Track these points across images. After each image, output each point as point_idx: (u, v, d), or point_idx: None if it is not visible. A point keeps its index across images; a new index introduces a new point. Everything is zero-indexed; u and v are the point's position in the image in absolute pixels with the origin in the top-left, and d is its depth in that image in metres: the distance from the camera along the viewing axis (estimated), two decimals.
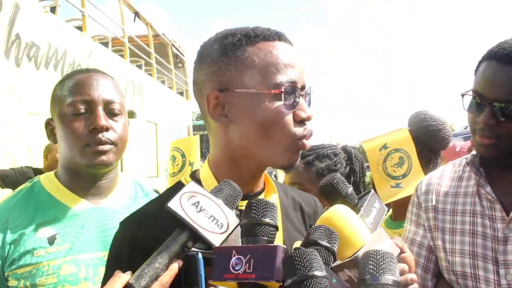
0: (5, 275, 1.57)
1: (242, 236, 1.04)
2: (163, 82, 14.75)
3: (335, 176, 1.31)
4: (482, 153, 1.68)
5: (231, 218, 1.09)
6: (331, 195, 1.30)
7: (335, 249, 1.04)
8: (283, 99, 1.20)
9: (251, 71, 1.21)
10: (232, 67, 1.23)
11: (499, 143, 1.60)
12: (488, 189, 1.69)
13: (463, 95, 1.69)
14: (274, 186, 1.44)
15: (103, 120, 1.62)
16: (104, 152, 1.63)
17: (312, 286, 0.88)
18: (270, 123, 1.22)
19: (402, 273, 1.29)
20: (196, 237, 1.08)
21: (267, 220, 1.03)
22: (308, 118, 1.25)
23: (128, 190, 1.83)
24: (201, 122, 23.71)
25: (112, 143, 1.65)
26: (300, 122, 1.24)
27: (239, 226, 1.09)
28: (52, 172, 1.76)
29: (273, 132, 1.22)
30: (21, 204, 1.65)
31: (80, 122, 1.62)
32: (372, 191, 1.34)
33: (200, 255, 1.08)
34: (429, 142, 2.53)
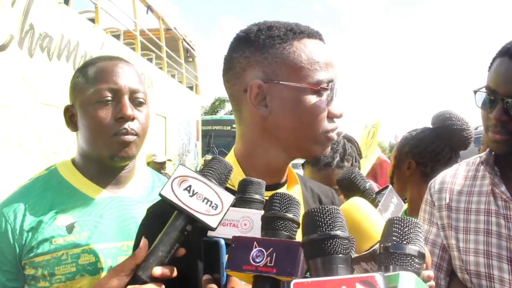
0: (22, 264, 1.54)
1: (263, 229, 1.02)
2: (173, 76, 14.74)
3: (353, 170, 1.32)
4: (495, 149, 1.68)
5: (224, 197, 1.10)
6: (349, 189, 1.31)
7: (352, 253, 1.01)
8: (323, 95, 1.28)
9: (297, 66, 1.28)
10: (279, 60, 1.28)
11: (511, 139, 1.60)
12: (503, 188, 1.69)
13: (475, 92, 1.70)
14: (296, 177, 1.48)
15: (129, 109, 1.60)
16: (128, 144, 1.60)
17: (333, 246, 0.83)
18: (309, 117, 1.28)
19: None
20: (193, 220, 1.10)
21: (290, 215, 1.01)
22: (341, 116, 1.32)
23: (146, 180, 1.82)
24: (209, 117, 23.76)
25: (136, 134, 1.63)
26: (332, 117, 1.31)
27: (260, 220, 1.07)
28: (69, 160, 1.73)
29: (311, 125, 1.29)
30: (38, 191, 1.62)
31: (106, 111, 1.58)
32: (390, 186, 1.35)
33: (222, 242, 1.09)
34: (451, 141, 2.56)
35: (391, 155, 2.85)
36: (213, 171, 1.15)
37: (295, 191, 1.43)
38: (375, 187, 2.76)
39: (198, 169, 1.18)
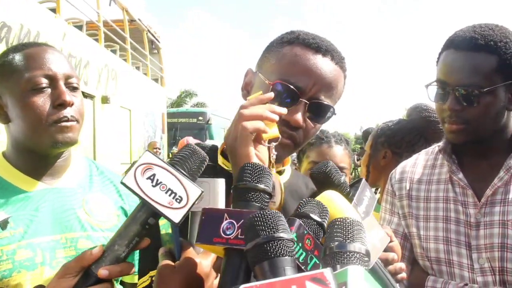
0: None
1: (234, 201, 0.99)
2: (138, 68, 14.56)
3: (328, 164, 1.28)
4: (453, 139, 1.71)
5: (191, 190, 1.02)
6: (323, 183, 1.27)
7: (325, 224, 1.01)
8: (277, 93, 1.29)
9: (271, 63, 1.35)
10: (268, 55, 1.39)
11: (467, 128, 1.64)
12: (460, 175, 1.72)
13: (427, 86, 1.73)
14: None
15: (68, 95, 1.54)
16: (70, 129, 1.54)
17: (277, 248, 0.81)
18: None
19: (391, 262, 1.32)
20: (155, 212, 1.03)
21: (262, 186, 0.98)
22: (292, 121, 1.29)
23: (83, 169, 1.74)
24: (175, 109, 23.51)
25: (76, 119, 1.57)
26: (284, 122, 1.29)
27: (210, 188, 1.07)
28: None
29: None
30: None
31: (43, 98, 1.51)
32: (363, 179, 1.33)
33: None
34: (426, 132, 2.65)
35: (367, 145, 2.90)
36: (182, 160, 1.07)
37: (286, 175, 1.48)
38: None
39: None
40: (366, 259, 0.86)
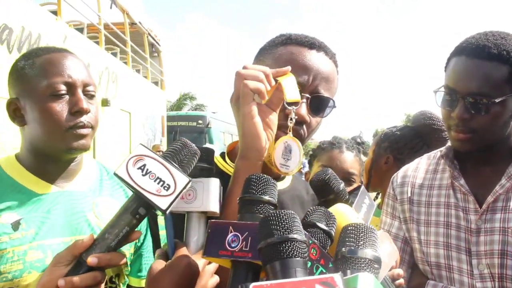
0: None
1: (239, 212, 1.01)
2: (138, 71, 14.57)
3: (327, 172, 1.29)
4: (458, 147, 1.71)
5: (179, 179, 1.06)
6: (323, 190, 1.28)
7: (333, 233, 1.02)
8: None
9: (269, 63, 1.35)
10: (262, 58, 1.41)
11: (474, 137, 1.63)
12: (462, 181, 1.73)
13: (435, 92, 1.72)
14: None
15: (85, 103, 1.58)
16: (84, 136, 1.58)
17: (291, 249, 0.81)
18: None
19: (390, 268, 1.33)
20: (145, 202, 1.07)
21: (266, 198, 0.99)
22: (298, 117, 1.29)
23: (94, 173, 1.78)
24: (175, 112, 23.54)
25: (91, 126, 1.61)
26: (288, 118, 1.28)
27: (204, 187, 1.09)
28: (13, 156, 1.67)
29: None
30: None
31: (61, 104, 1.55)
32: (363, 187, 1.35)
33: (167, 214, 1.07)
34: (429, 140, 2.66)
35: (370, 149, 2.93)
36: (173, 152, 1.11)
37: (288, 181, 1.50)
38: None
39: None
40: (376, 266, 0.88)
